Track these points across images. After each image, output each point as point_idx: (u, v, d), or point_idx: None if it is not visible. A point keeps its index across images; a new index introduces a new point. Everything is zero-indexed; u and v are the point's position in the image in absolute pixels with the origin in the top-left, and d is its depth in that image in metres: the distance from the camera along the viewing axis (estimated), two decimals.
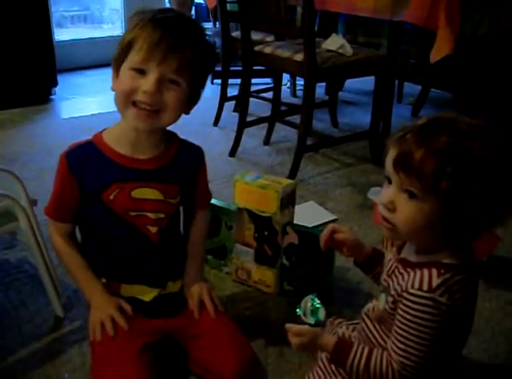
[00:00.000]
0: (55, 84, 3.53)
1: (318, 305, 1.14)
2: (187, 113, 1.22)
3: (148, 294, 1.29)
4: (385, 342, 1.04)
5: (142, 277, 1.28)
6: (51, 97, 3.57)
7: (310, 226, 1.75)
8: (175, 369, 1.34)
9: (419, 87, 3.48)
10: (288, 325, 1.05)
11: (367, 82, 2.88)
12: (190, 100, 1.19)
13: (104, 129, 1.25)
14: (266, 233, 1.61)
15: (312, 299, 1.16)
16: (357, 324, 1.21)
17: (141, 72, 1.10)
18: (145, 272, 1.28)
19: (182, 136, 1.32)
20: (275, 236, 1.60)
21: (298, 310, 1.14)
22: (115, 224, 1.22)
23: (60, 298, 1.53)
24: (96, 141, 1.22)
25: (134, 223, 1.22)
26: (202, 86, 1.23)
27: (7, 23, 3.21)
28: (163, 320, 1.30)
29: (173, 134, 1.30)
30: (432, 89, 3.52)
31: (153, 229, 1.24)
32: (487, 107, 2.98)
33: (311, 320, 1.11)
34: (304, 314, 1.14)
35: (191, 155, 1.31)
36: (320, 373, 1.16)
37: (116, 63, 1.15)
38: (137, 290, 1.29)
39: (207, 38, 1.21)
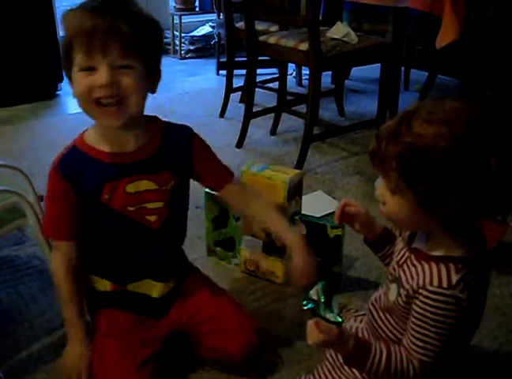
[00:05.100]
0: (61, 79, 3.52)
1: (331, 296, 1.03)
2: (153, 91, 1.17)
3: (154, 289, 1.28)
4: (392, 333, 1.04)
5: (145, 270, 1.27)
6: (57, 93, 3.57)
7: (318, 215, 1.75)
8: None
9: (426, 73, 3.45)
10: (315, 321, 0.96)
11: (373, 70, 2.86)
12: (150, 77, 1.14)
13: (84, 131, 1.23)
14: None
15: (322, 290, 1.03)
16: (365, 315, 1.20)
17: (91, 69, 1.06)
18: (148, 264, 1.26)
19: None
20: None
21: (309, 304, 1.01)
22: (115, 220, 1.21)
23: None
24: (78, 144, 1.21)
25: (133, 217, 1.21)
26: (158, 58, 1.17)
27: (11, 19, 3.21)
28: (169, 318, 1.31)
29: (155, 119, 1.26)
30: (439, 75, 3.49)
31: (152, 218, 1.23)
32: (494, 93, 2.96)
33: (336, 319, 0.97)
34: (320, 309, 1.00)
35: (179, 137, 1.25)
36: (329, 366, 1.16)
37: (66, 71, 1.12)
38: (142, 286, 1.28)
39: (139, 7, 1.12)
